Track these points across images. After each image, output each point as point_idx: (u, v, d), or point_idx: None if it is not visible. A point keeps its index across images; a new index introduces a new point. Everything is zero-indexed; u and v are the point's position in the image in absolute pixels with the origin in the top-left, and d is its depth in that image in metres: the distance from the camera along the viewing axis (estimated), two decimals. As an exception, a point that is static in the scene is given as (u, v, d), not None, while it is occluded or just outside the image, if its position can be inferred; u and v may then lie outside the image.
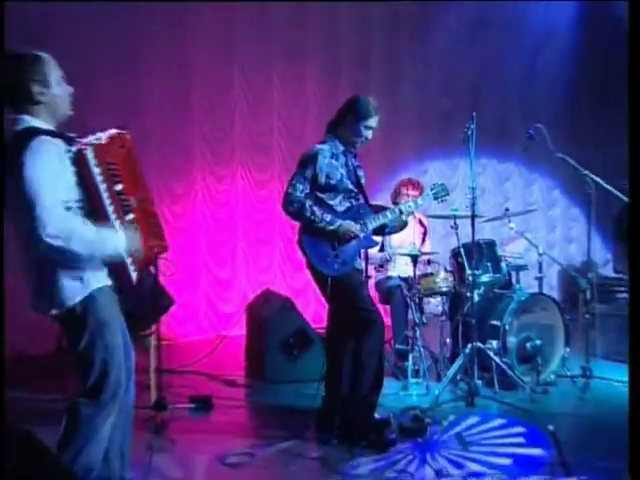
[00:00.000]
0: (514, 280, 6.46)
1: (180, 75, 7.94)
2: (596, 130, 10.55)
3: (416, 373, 6.02)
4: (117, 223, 3.29)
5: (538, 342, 5.98)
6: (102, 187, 3.25)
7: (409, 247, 6.20)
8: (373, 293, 6.04)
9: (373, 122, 4.76)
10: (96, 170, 3.23)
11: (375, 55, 9.29)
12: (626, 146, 10.55)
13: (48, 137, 3.21)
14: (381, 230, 4.99)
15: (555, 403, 5.68)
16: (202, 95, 8.13)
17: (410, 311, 6.12)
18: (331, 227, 4.63)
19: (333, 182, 4.67)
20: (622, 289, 9.23)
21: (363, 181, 4.89)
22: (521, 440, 4.78)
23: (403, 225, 5.18)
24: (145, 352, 5.38)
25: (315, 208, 4.61)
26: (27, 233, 3.13)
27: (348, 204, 4.79)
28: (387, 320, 5.72)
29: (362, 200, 4.90)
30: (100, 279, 3.32)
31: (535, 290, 6.41)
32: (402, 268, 6.52)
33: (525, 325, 6.05)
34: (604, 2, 10.00)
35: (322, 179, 4.64)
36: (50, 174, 3.14)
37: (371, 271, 6.23)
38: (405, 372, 6.03)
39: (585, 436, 4.90)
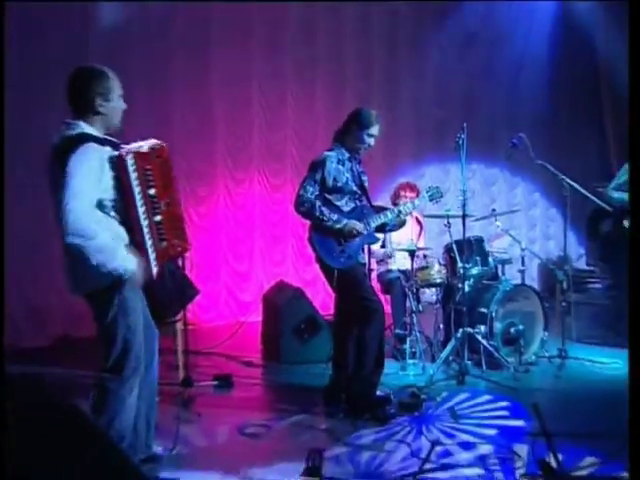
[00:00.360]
0: (500, 272, 6.47)
1: (205, 93, 7.95)
2: (572, 140, 10.50)
3: (413, 355, 6.01)
4: (146, 223, 3.31)
5: (521, 327, 5.97)
6: (137, 190, 3.27)
7: (407, 243, 6.20)
8: (375, 284, 6.03)
9: (375, 130, 4.77)
10: (133, 175, 3.25)
11: (376, 72, 9.26)
12: (598, 153, 10.56)
13: (95, 144, 3.24)
14: (382, 228, 5.00)
15: (535, 380, 5.68)
16: (224, 110, 8.13)
17: (408, 300, 6.11)
18: (338, 225, 4.64)
19: (339, 185, 4.68)
20: (593, 280, 9.22)
21: (366, 184, 4.90)
22: (506, 413, 4.80)
23: (402, 224, 5.18)
24: (174, 336, 5.41)
25: (324, 208, 4.61)
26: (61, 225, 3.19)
27: (353, 204, 4.79)
28: (387, 308, 5.74)
29: (365, 201, 4.90)
30: (117, 272, 3.29)
31: (518, 281, 6.40)
32: (401, 262, 6.52)
33: (509, 312, 6.04)
34: (577, 27, 9.96)
35: (330, 182, 4.65)
36: (88, 180, 3.17)
37: (373, 264, 6.23)
38: (403, 354, 6.02)
39: (561, 408, 4.91)
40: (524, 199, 10.66)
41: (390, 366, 5.70)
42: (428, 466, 3.79)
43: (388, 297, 6.48)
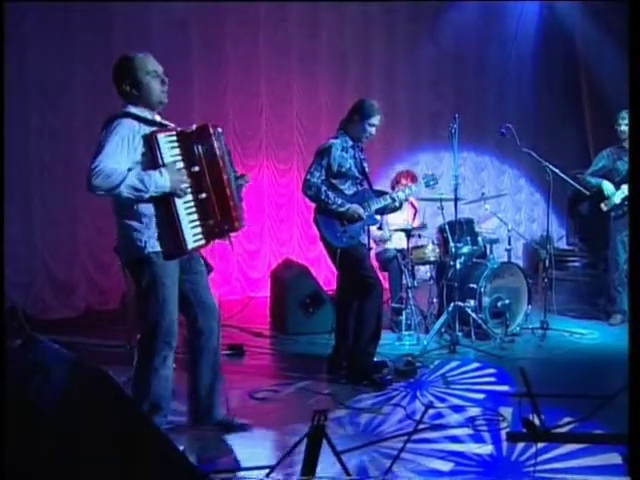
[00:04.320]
0: (488, 251, 6.47)
1: (217, 86, 7.95)
2: (554, 130, 10.49)
3: (409, 327, 6.03)
4: (185, 199, 3.26)
5: (507, 301, 6.00)
6: (178, 165, 3.24)
7: (403, 224, 6.23)
8: (374, 262, 6.05)
9: (375, 120, 4.76)
10: (169, 152, 3.22)
11: (375, 66, 9.22)
12: (578, 142, 10.55)
13: (130, 119, 3.24)
14: (382, 210, 5.02)
15: (520, 350, 5.70)
16: (235, 100, 8.10)
17: (404, 276, 6.13)
18: (341, 209, 4.66)
19: (343, 170, 4.69)
20: (573, 258, 9.26)
21: (367, 170, 4.91)
22: (493, 379, 4.84)
23: (400, 207, 5.20)
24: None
25: (329, 192, 4.63)
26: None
27: (355, 189, 4.81)
28: (385, 284, 5.77)
29: (367, 186, 4.92)
30: (156, 245, 3.29)
31: (505, 259, 6.41)
32: (398, 241, 6.53)
33: (497, 288, 6.07)
34: (558, 26, 9.92)
35: (335, 168, 4.66)
36: (118, 148, 3.15)
37: (372, 244, 6.26)
38: (400, 326, 6.06)
39: (543, 374, 4.95)
40: (511, 184, 10.65)
41: (387, 337, 5.76)
42: (422, 427, 3.83)
43: (386, 274, 6.50)
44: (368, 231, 5.09)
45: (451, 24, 9.42)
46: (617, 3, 8.15)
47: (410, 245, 6.10)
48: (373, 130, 4.79)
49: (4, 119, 5.31)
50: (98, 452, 2.24)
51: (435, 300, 6.37)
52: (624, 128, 6.27)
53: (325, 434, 2.72)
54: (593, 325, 6.48)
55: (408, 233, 6.01)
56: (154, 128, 3.29)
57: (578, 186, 6.46)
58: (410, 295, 6.04)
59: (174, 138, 3.27)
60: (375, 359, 4.91)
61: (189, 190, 3.28)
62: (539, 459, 3.21)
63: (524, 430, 2.25)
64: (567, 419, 3.43)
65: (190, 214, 3.28)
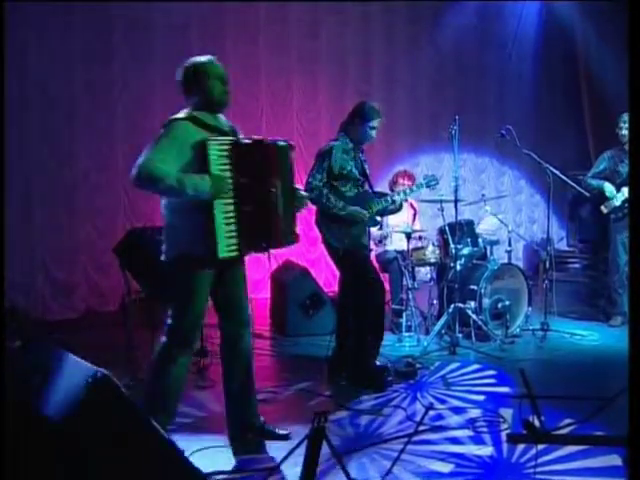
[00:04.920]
0: (488, 253, 6.48)
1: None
2: (555, 132, 10.49)
3: (409, 328, 6.04)
4: (227, 208, 3.22)
5: (507, 303, 6.00)
6: (223, 175, 3.22)
7: (404, 226, 6.22)
8: (375, 264, 6.05)
9: (376, 123, 4.76)
10: (218, 160, 3.20)
11: (375, 67, 9.22)
12: (578, 144, 10.55)
13: (188, 123, 3.26)
14: (382, 212, 5.02)
15: (520, 351, 5.71)
16: (235, 102, 8.07)
17: (405, 278, 6.13)
18: (343, 212, 4.66)
19: (345, 172, 4.69)
20: (573, 260, 9.25)
21: (368, 172, 4.91)
22: (493, 381, 4.84)
23: (399, 208, 5.20)
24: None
25: (331, 195, 4.63)
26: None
27: (356, 190, 4.80)
28: (386, 285, 5.77)
29: (367, 187, 4.92)
30: (191, 248, 3.27)
31: (505, 261, 6.42)
32: (398, 243, 6.53)
33: (497, 289, 6.08)
34: (558, 26, 9.93)
35: (336, 170, 4.66)
36: (165, 146, 3.18)
37: (372, 245, 6.25)
38: (400, 327, 6.06)
39: (543, 375, 4.95)
40: (511, 186, 10.65)
41: (388, 338, 5.73)
42: (422, 428, 3.83)
43: (386, 275, 6.50)
44: (369, 232, 5.09)
45: (451, 25, 9.41)
46: (617, 4, 8.16)
47: (410, 246, 6.11)
48: (374, 133, 4.79)
49: (4, 120, 5.31)
50: (98, 453, 2.24)
51: (435, 301, 6.37)
52: (625, 132, 6.27)
53: (325, 436, 2.71)
54: (593, 327, 6.49)
55: (408, 234, 6.01)
56: (211, 134, 3.28)
57: (578, 188, 6.46)
58: (410, 296, 6.03)
59: (226, 147, 3.24)
60: (376, 361, 4.89)
61: (232, 200, 3.25)
62: (539, 461, 3.21)
63: (524, 432, 2.25)
64: (567, 421, 3.43)
65: (229, 224, 3.23)
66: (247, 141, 3.36)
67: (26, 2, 6.37)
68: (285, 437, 3.68)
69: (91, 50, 6.98)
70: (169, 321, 3.37)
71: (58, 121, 6.91)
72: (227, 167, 3.23)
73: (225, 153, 3.23)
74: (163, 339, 3.40)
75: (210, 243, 3.18)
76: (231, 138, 3.33)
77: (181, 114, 3.35)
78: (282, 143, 3.48)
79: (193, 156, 3.21)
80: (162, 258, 3.40)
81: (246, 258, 3.56)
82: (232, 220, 3.24)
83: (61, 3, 6.66)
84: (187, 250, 3.28)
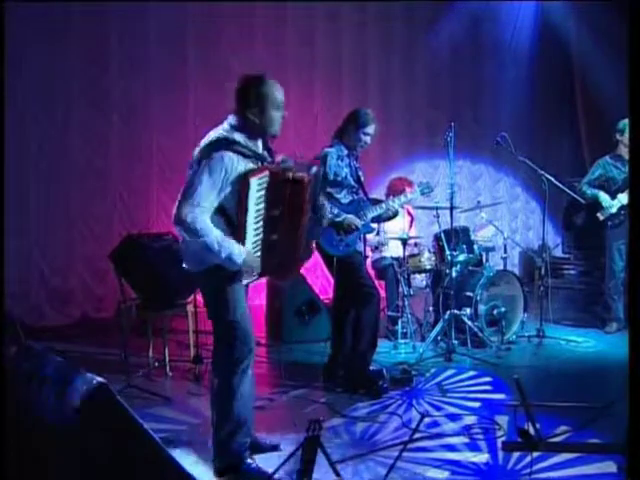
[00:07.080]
0: (484, 259, 6.49)
1: (217, 95, 7.96)
2: (549, 138, 10.54)
3: (405, 335, 6.05)
4: (255, 238, 3.23)
5: (503, 309, 6.00)
6: (255, 208, 3.20)
7: (399, 232, 6.23)
8: (370, 270, 6.05)
9: (370, 129, 4.76)
10: (255, 194, 3.19)
11: (371, 74, 9.24)
12: (573, 151, 10.57)
13: (230, 154, 3.17)
14: (377, 219, 5.02)
15: (516, 358, 5.70)
16: (232, 106, 8.10)
17: (400, 285, 6.13)
18: (338, 219, 4.65)
19: (339, 179, 4.68)
20: (569, 266, 9.28)
21: (363, 179, 4.91)
22: (489, 387, 4.83)
23: (395, 215, 5.20)
24: (185, 317, 5.42)
25: (325, 203, 4.62)
26: None
27: (351, 197, 4.80)
28: (382, 292, 5.77)
29: (362, 194, 4.92)
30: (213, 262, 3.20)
31: (501, 267, 6.43)
32: (394, 250, 6.53)
33: (493, 296, 6.08)
34: (553, 31, 9.97)
35: (331, 177, 4.65)
36: (211, 183, 3.11)
37: (368, 252, 6.26)
38: (396, 334, 6.06)
39: (539, 382, 4.94)
40: (507, 193, 10.68)
41: (383, 345, 5.75)
42: (418, 435, 3.82)
43: (382, 282, 6.50)
44: (364, 239, 5.09)
45: (447, 33, 9.46)
46: (612, 7, 8.19)
47: (406, 253, 6.11)
48: (368, 139, 4.79)
49: (4, 122, 5.30)
50: (94, 461, 2.24)
51: (431, 308, 6.36)
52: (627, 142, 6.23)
53: (320, 444, 2.71)
54: (589, 333, 6.49)
55: (404, 241, 6.02)
56: (250, 161, 3.25)
57: (574, 195, 6.48)
58: (406, 303, 6.04)
59: (265, 180, 3.21)
60: (372, 368, 4.89)
61: (260, 230, 3.26)
62: (535, 468, 3.22)
63: (519, 439, 2.25)
64: (563, 428, 3.43)
65: (255, 252, 3.26)
66: (282, 175, 3.27)
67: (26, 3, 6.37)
68: (275, 448, 3.64)
69: (88, 56, 6.98)
70: (216, 337, 3.38)
71: (54, 127, 6.91)
72: (262, 199, 3.23)
73: (264, 185, 3.21)
74: (220, 355, 3.35)
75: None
76: (268, 170, 3.26)
77: (222, 135, 3.26)
78: (308, 178, 3.36)
79: (233, 190, 3.17)
80: (187, 267, 3.35)
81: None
82: (258, 248, 3.27)
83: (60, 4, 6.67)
84: (214, 262, 3.20)
